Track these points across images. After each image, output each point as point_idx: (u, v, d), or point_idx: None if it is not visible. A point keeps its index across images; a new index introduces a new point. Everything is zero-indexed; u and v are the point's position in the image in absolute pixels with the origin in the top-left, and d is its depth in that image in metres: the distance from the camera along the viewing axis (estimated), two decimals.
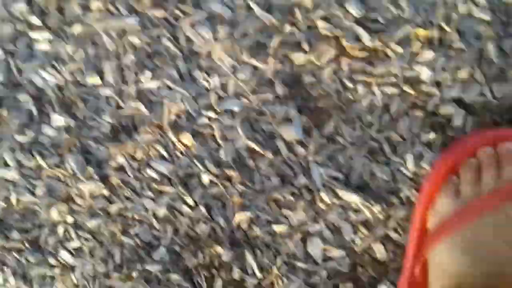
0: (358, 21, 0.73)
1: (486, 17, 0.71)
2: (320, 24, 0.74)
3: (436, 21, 0.72)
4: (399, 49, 0.73)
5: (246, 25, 0.75)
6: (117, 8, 0.77)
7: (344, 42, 0.74)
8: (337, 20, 0.74)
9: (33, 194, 0.85)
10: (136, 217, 0.84)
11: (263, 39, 0.76)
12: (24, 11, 0.80)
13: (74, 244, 0.86)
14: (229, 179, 0.80)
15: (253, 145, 0.78)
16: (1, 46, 0.81)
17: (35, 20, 0.80)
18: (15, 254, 0.88)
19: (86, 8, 0.78)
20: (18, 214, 0.87)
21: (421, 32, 0.72)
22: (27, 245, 0.87)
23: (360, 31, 0.73)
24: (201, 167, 0.80)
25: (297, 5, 0.74)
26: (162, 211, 0.82)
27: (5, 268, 0.88)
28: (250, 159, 0.79)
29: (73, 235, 0.86)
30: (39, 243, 0.87)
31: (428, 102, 0.75)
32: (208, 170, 0.80)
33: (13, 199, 0.86)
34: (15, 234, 0.87)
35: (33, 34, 0.80)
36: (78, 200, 0.84)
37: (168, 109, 0.79)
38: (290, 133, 0.77)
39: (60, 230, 0.86)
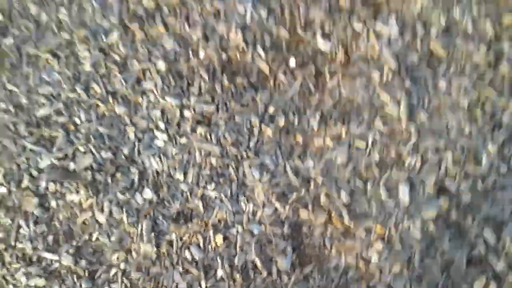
0: (345, 205, 1.00)
1: (417, 235, 0.95)
2: (323, 198, 1.01)
3: (389, 225, 0.97)
4: (363, 234, 0.98)
5: (281, 179, 1.03)
6: (211, 137, 1.07)
7: (333, 215, 1.00)
8: (333, 199, 1.01)
9: (108, 238, 1.07)
10: (164, 282, 1.05)
11: (287, 192, 1.03)
12: (157, 117, 1.10)
13: (116, 286, 1.06)
14: (234, 280, 1.02)
15: (257, 262, 1.02)
16: (135, 133, 1.11)
17: (161, 127, 1.10)
18: (75, 278, 1.08)
19: (193, 129, 1.08)
20: (92, 249, 1.08)
21: (379, 228, 0.97)
22: (86, 274, 1.07)
23: (344, 212, 0.99)
24: (220, 264, 1.03)
25: (313, 178, 1.02)
26: (182, 286, 1.04)
27: (62, 285, 1.08)
28: (252, 271, 1.02)
29: (119, 279, 1.06)
30: (95, 276, 1.07)
31: (371, 280, 0.97)
32: (224, 268, 1.03)
33: (94, 236, 1.08)
34: (83, 263, 1.07)
35: (156, 133, 1.10)
36: (134, 254, 1.06)
37: (215, 214, 1.05)
38: (283, 263, 1.01)
39: (113, 272, 1.06)
